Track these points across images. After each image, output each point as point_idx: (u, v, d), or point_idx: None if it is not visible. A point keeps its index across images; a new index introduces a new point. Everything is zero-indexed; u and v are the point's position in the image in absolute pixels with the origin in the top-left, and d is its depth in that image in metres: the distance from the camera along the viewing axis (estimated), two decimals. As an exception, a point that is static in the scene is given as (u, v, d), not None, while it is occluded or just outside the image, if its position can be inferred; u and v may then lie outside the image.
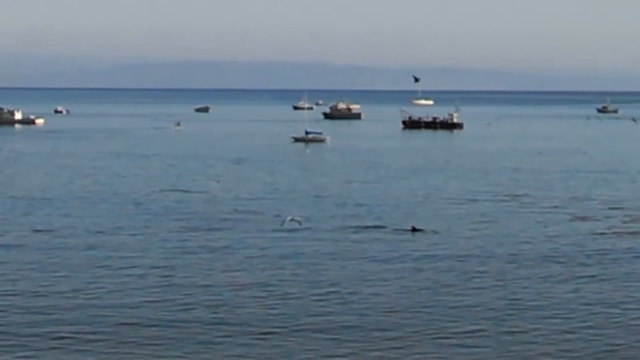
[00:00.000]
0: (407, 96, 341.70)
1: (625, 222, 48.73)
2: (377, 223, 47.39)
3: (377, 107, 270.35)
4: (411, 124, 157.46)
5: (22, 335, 26.68)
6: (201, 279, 34.09)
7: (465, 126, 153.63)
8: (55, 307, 29.73)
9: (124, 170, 77.38)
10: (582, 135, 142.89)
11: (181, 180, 68.73)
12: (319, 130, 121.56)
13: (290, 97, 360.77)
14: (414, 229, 44.74)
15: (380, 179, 70.69)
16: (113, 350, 25.33)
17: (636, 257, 39.22)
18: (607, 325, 28.29)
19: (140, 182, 67.78)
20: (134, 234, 43.71)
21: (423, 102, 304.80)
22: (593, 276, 35.32)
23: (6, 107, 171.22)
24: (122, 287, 32.57)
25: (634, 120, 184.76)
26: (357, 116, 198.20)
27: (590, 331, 27.60)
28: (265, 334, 26.90)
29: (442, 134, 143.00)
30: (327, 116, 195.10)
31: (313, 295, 31.66)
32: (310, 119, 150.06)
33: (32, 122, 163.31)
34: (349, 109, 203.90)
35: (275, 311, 29.45)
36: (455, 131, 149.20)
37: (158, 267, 36.03)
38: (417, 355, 25.13)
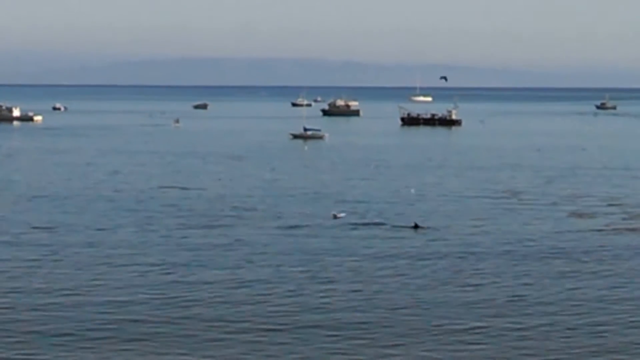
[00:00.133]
0: (406, 93, 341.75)
1: (624, 219, 48.76)
2: (376, 220, 47.39)
3: (375, 104, 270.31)
4: (410, 121, 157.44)
5: (21, 332, 26.66)
6: (201, 276, 34.08)
7: (463, 123, 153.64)
8: (54, 305, 29.72)
9: (122, 167, 77.31)
10: (581, 131, 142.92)
11: (180, 178, 68.69)
12: (317, 127, 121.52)
13: (289, 94, 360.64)
14: (416, 226, 44.75)
15: (378, 176, 70.68)
16: (113, 347, 25.32)
17: (636, 253, 39.24)
18: (607, 322, 28.30)
19: (139, 179, 67.73)
20: (133, 231, 43.68)
21: (421, 98, 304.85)
22: (592, 273, 35.34)
23: (4, 104, 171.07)
24: (122, 285, 32.56)
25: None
26: (356, 113, 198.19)
27: (590, 328, 27.62)
28: (265, 331, 26.90)
29: (440, 130, 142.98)
30: (325, 113, 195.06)
31: (313, 292, 31.66)
32: (309, 116, 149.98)
33: (31, 119, 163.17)
34: (348, 106, 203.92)
35: (275, 308, 29.44)
36: (453, 128, 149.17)
37: (157, 265, 36.01)
38: (417, 353, 25.14)
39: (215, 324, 27.61)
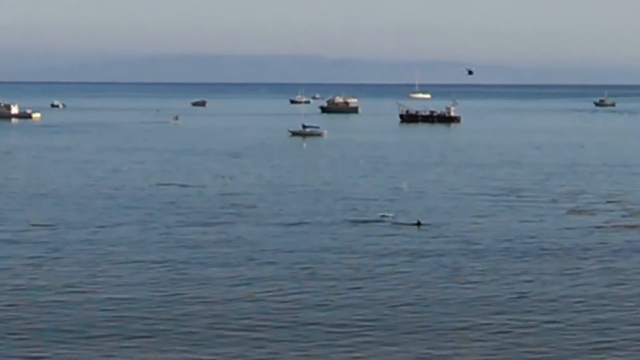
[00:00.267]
0: (405, 90, 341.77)
1: (623, 216, 48.75)
2: (375, 217, 47.33)
3: (374, 101, 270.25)
4: (408, 118, 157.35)
5: (21, 330, 26.61)
6: (200, 273, 34.04)
7: (462, 120, 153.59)
8: (54, 302, 29.68)
9: (121, 164, 77.24)
10: (580, 128, 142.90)
11: (179, 175, 68.62)
12: (316, 124, 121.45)
13: (287, 90, 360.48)
14: (419, 223, 44.68)
15: (376, 172, 70.63)
16: (112, 344, 25.28)
17: (634, 250, 39.22)
18: (607, 319, 28.28)
19: (139, 176, 67.66)
20: (133, 229, 43.63)
21: (420, 95, 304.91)
22: (592, 270, 35.32)
23: (2, 101, 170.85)
24: (121, 282, 32.51)
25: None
26: (355, 110, 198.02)
27: (590, 325, 27.60)
28: (265, 328, 26.86)
29: (439, 127, 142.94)
30: (324, 110, 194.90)
31: (313, 290, 31.62)
32: (308, 113, 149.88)
33: (29, 116, 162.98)
34: (346, 103, 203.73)
35: (276, 306, 29.40)
36: (452, 125, 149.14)
37: (157, 262, 35.96)
38: (417, 350, 25.10)
39: (215, 321, 27.58)
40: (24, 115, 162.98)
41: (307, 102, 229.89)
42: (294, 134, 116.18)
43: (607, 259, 37.42)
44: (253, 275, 33.84)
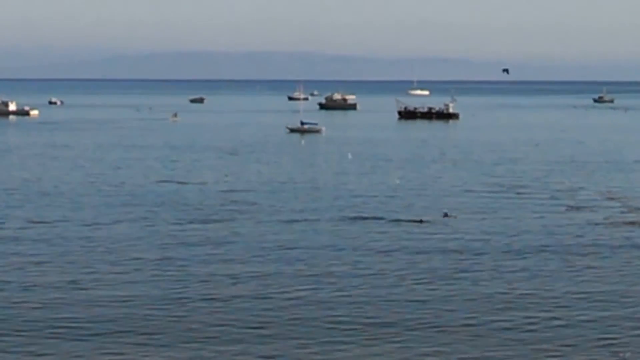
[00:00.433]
0: (403, 86, 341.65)
1: (622, 212, 48.71)
2: (374, 214, 47.28)
3: (372, 98, 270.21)
4: (407, 115, 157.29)
5: (19, 328, 26.52)
6: (199, 271, 33.97)
7: (461, 116, 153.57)
8: (52, 300, 29.60)
9: (120, 161, 77.14)
10: (579, 125, 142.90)
11: (178, 172, 68.54)
12: (314, 121, 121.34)
13: (285, 87, 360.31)
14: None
15: (377, 169, 70.58)
16: (111, 343, 25.19)
17: (633, 247, 39.19)
18: (607, 316, 28.23)
19: (136, 173, 67.58)
20: (131, 226, 43.55)
21: (419, 92, 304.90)
22: (590, 267, 35.28)
23: (0, 99, 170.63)
24: (119, 280, 32.44)
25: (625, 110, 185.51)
26: (353, 107, 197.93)
27: (590, 322, 27.56)
28: (263, 327, 26.78)
29: (438, 124, 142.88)
30: (322, 107, 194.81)
31: (311, 288, 31.56)
32: (306, 110, 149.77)
33: (27, 113, 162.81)
34: (345, 100, 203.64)
35: (275, 303, 29.33)
36: (451, 121, 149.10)
37: (155, 260, 35.89)
38: (419, 348, 25.05)
39: (215, 319, 27.50)
40: (21, 113, 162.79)
41: (306, 98, 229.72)
42: (292, 130, 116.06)
43: (606, 255, 37.37)
44: (251, 272, 33.76)
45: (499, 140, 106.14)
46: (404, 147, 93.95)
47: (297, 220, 45.32)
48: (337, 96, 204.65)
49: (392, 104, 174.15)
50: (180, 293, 30.56)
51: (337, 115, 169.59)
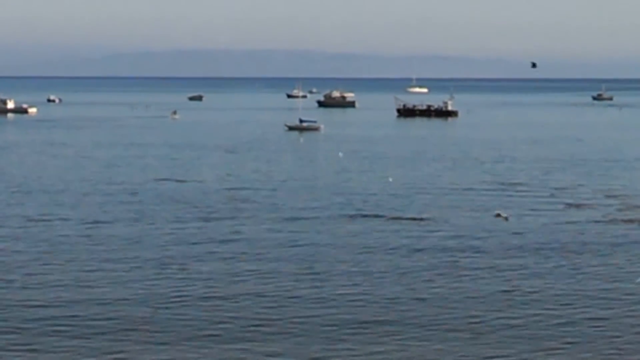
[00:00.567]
0: (402, 84, 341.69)
1: (621, 210, 48.68)
2: (373, 212, 47.22)
3: (371, 95, 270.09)
4: (406, 112, 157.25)
5: (16, 327, 26.46)
6: (197, 269, 33.91)
7: (460, 114, 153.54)
8: (50, 299, 29.54)
9: (119, 159, 77.06)
10: (578, 122, 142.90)
11: (177, 170, 68.46)
12: (313, 119, 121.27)
13: (283, 85, 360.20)
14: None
15: (375, 167, 70.51)
16: (109, 342, 25.12)
17: (632, 244, 39.15)
18: (607, 315, 28.21)
19: (135, 171, 67.50)
20: (130, 224, 43.49)
21: (417, 90, 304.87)
22: (590, 264, 35.25)
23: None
24: (118, 279, 32.38)
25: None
26: (352, 104, 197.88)
27: (589, 320, 27.56)
28: (262, 325, 26.72)
29: (436, 121, 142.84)
30: (321, 104, 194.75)
31: (310, 286, 31.51)
32: (305, 107, 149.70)
33: (25, 111, 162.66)
34: (343, 97, 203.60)
35: (274, 302, 29.28)
36: (450, 119, 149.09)
37: (154, 258, 35.83)
38: (417, 346, 25.00)
39: (213, 317, 27.43)
40: (20, 110, 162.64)
41: (304, 96, 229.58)
42: (291, 128, 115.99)
43: (605, 253, 37.34)
44: (250, 270, 33.70)
45: (497, 137, 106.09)
46: (402, 145, 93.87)
47: (296, 218, 45.25)
48: (335, 94, 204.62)
49: (390, 101, 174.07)
50: (179, 291, 30.49)
51: (336, 112, 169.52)
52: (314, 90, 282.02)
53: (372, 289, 31.01)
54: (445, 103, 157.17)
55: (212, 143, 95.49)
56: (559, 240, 40.02)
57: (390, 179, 61.06)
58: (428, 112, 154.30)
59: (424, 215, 45.86)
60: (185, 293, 30.28)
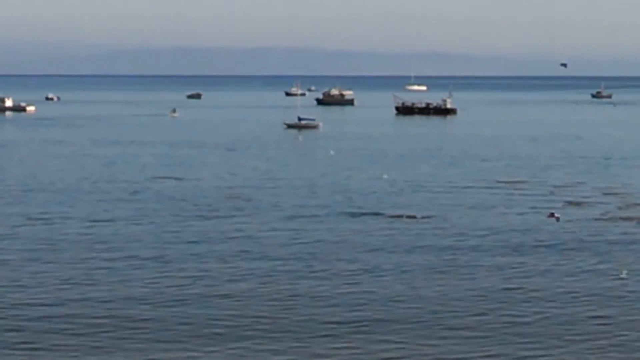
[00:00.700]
0: (401, 82, 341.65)
1: (619, 208, 48.62)
2: (372, 210, 47.14)
3: (370, 93, 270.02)
4: (404, 110, 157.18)
5: (15, 326, 26.39)
6: (196, 268, 33.85)
7: (458, 112, 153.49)
8: (49, 298, 29.47)
9: (117, 157, 76.96)
10: (577, 120, 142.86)
11: (176, 168, 68.36)
12: (311, 117, 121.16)
13: (283, 83, 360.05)
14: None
15: (374, 164, 70.41)
16: (108, 341, 25.04)
17: (631, 242, 39.09)
18: (606, 314, 28.15)
19: (134, 169, 67.39)
20: (129, 223, 43.40)
21: (416, 87, 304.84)
22: (589, 262, 35.23)
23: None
24: (117, 277, 32.33)
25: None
26: (350, 102, 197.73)
27: (588, 318, 27.52)
28: (261, 323, 26.64)
29: (435, 119, 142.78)
30: (319, 102, 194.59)
31: (310, 285, 31.45)
32: (303, 105, 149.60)
33: (23, 109, 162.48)
34: (342, 95, 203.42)
35: (273, 301, 29.22)
36: (448, 117, 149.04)
37: (153, 257, 35.75)
38: (415, 345, 24.93)
39: (212, 316, 27.36)
40: (18, 109, 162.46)
41: (303, 94, 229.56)
42: (290, 126, 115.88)
43: (604, 251, 37.28)
44: (249, 269, 33.63)
45: (496, 135, 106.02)
46: (401, 143, 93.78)
47: (295, 216, 45.17)
48: (334, 92, 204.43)
49: (389, 99, 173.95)
50: (177, 290, 30.42)
51: (335, 110, 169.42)
52: (313, 88, 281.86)
53: (372, 287, 30.94)
54: (444, 101, 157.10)
55: (211, 141, 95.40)
56: (558, 238, 39.94)
57: (385, 176, 61.11)
58: (427, 110, 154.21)
59: (423, 213, 45.78)
60: (182, 291, 30.20)
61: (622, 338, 25.63)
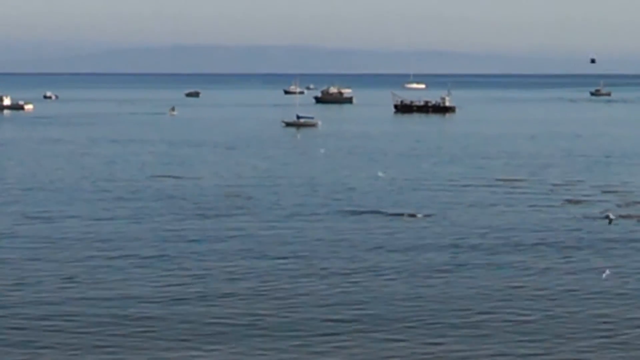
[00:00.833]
0: (399, 80, 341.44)
1: (619, 206, 48.60)
2: (372, 208, 47.11)
3: (368, 91, 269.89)
4: (403, 108, 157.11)
5: (14, 325, 26.34)
6: (195, 267, 33.81)
7: (457, 110, 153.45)
8: (47, 297, 29.42)
9: (116, 156, 76.90)
10: (576, 118, 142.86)
11: (175, 167, 68.31)
12: (310, 115, 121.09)
13: (281, 81, 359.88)
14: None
15: (373, 163, 70.38)
16: (107, 341, 25.00)
17: (630, 240, 39.07)
18: (605, 313, 28.12)
19: (133, 168, 67.34)
20: (128, 222, 43.36)
21: (415, 85, 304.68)
22: (588, 261, 35.17)
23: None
24: (116, 277, 32.27)
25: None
26: (349, 100, 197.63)
27: (587, 317, 27.48)
28: (260, 323, 26.60)
29: (434, 117, 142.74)
30: (318, 100, 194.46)
31: (309, 285, 31.39)
32: (302, 104, 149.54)
33: (21, 107, 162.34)
34: (341, 93, 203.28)
35: (272, 300, 29.17)
36: (447, 115, 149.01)
37: (152, 256, 35.71)
38: (415, 343, 24.91)
39: (211, 315, 27.31)
40: (16, 107, 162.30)
41: (302, 92, 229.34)
42: (288, 124, 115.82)
43: (603, 249, 37.25)
44: (248, 268, 33.59)
45: (495, 133, 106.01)
46: (400, 141, 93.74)
47: (295, 215, 45.14)
48: (333, 90, 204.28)
49: (388, 97, 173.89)
50: (176, 289, 30.38)
51: (333, 109, 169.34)
52: (312, 86, 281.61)
53: (373, 285, 30.91)
54: (443, 99, 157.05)
55: (210, 139, 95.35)
56: (557, 237, 39.92)
57: (380, 174, 61.10)
58: (426, 108, 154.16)
59: (422, 212, 45.74)
60: (182, 290, 30.15)
61: (623, 337, 25.61)
